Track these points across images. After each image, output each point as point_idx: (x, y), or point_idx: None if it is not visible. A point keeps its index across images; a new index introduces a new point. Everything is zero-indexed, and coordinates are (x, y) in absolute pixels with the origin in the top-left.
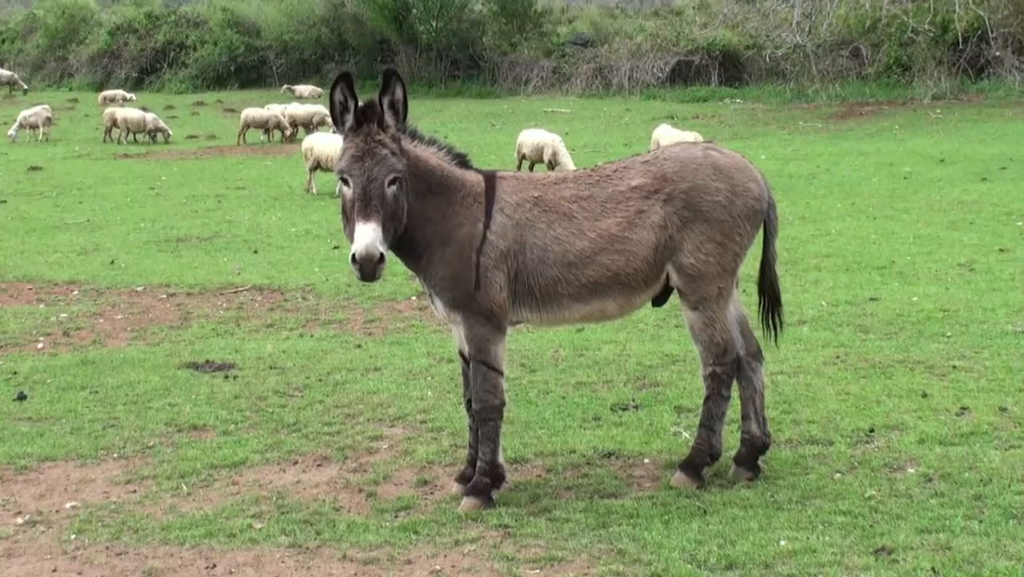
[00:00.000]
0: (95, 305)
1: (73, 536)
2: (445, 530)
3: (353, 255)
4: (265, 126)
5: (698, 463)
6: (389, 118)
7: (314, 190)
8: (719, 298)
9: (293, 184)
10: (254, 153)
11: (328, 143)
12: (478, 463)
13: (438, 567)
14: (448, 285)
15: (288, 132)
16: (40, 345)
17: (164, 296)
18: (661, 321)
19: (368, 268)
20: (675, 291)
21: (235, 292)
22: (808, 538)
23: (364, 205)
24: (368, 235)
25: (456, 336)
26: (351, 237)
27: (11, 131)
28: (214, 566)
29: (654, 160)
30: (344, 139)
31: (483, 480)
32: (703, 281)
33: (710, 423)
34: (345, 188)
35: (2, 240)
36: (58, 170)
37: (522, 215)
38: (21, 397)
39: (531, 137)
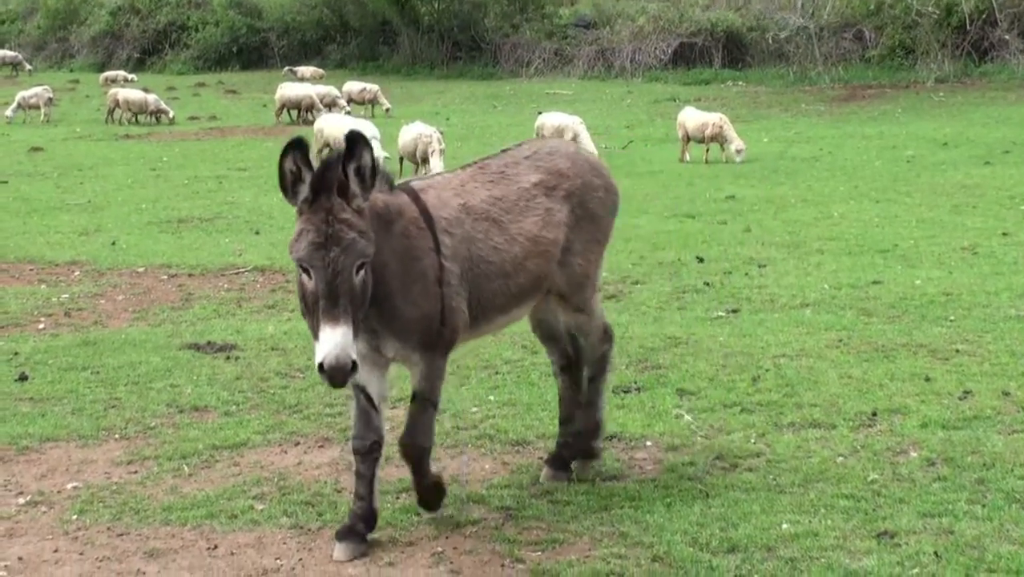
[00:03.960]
0: (96, 286)
1: (74, 516)
2: (447, 512)
3: (320, 364)
4: (299, 106)
5: (597, 445)
6: (355, 187)
7: None
8: (595, 294)
9: None
10: (255, 134)
11: (335, 124)
12: (355, 506)
13: (440, 549)
14: (416, 328)
15: (323, 113)
16: (41, 326)
17: (165, 277)
18: (663, 304)
19: (339, 378)
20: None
21: (236, 273)
22: (810, 521)
23: (330, 304)
24: (337, 341)
25: (375, 382)
26: (315, 335)
27: (8, 111)
28: (216, 547)
29: (540, 155)
30: (298, 215)
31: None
32: (587, 282)
33: (600, 401)
34: (304, 278)
35: (3, 221)
36: (59, 151)
37: (462, 230)
38: (22, 378)
39: (551, 120)
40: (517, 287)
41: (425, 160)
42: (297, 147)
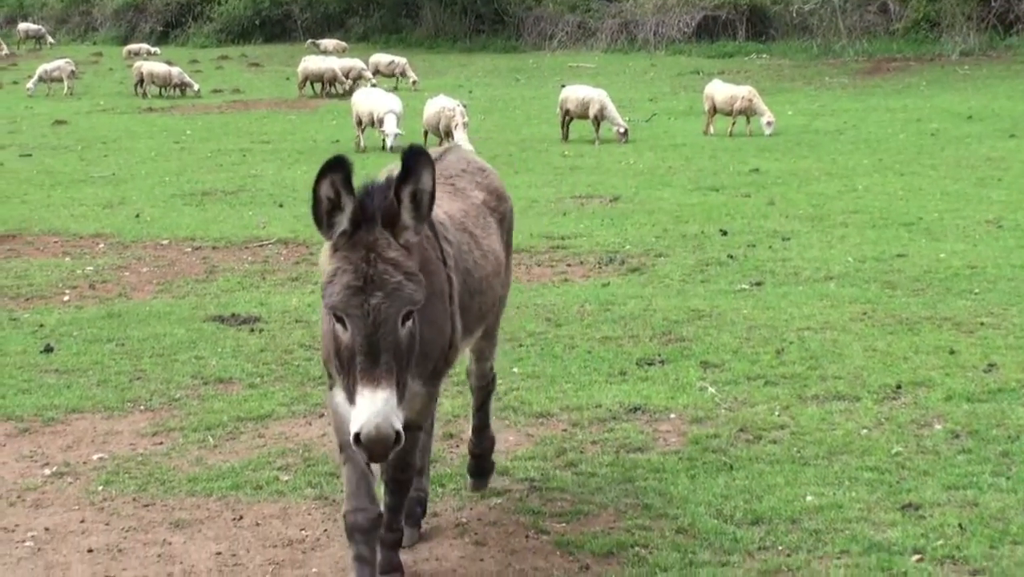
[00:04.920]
0: (121, 258)
1: (100, 487)
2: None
3: (356, 435)
4: (322, 79)
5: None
6: (407, 216)
7: (362, 145)
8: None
9: (318, 138)
10: (279, 107)
11: (362, 99)
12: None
13: (464, 520)
14: (431, 355)
15: (346, 86)
16: (66, 298)
17: (189, 249)
18: (687, 277)
19: (380, 452)
20: None
21: (260, 246)
22: (835, 494)
23: (370, 362)
24: (377, 408)
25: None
26: (350, 398)
27: (29, 84)
28: (241, 518)
29: (474, 171)
30: (332, 251)
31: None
32: (502, 307)
33: (491, 421)
34: (339, 328)
35: (28, 193)
36: (83, 124)
37: (455, 237)
38: (48, 349)
39: (576, 93)
40: (482, 308)
41: (448, 133)
42: (336, 169)
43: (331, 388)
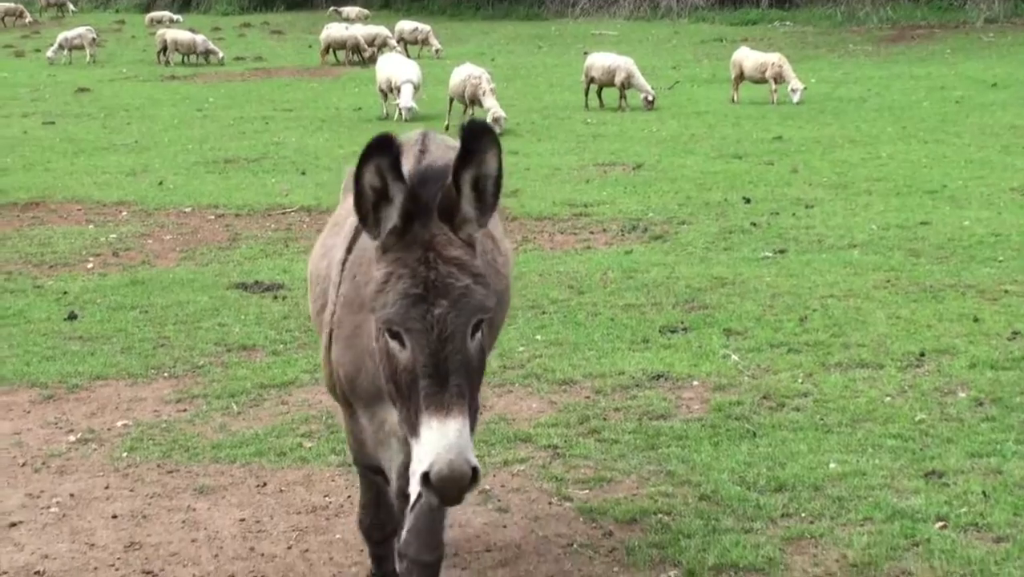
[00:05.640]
0: (144, 226)
1: (125, 454)
2: (494, 450)
3: (426, 475)
4: (344, 46)
5: None
6: (469, 207)
7: (384, 113)
8: None
9: (340, 106)
10: (301, 75)
11: (384, 65)
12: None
13: (487, 487)
14: (478, 369)
15: (367, 53)
16: (90, 265)
17: (212, 217)
18: (710, 244)
19: (454, 493)
20: None
21: (283, 213)
22: (858, 461)
23: (437, 385)
24: (450, 441)
25: (397, 454)
26: (412, 430)
27: (50, 52)
28: (264, 484)
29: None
30: (380, 252)
31: None
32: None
33: None
34: (395, 346)
35: (51, 161)
36: (105, 92)
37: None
38: (72, 317)
39: (601, 60)
40: (496, 331)
41: (475, 101)
42: (382, 151)
43: (349, 416)
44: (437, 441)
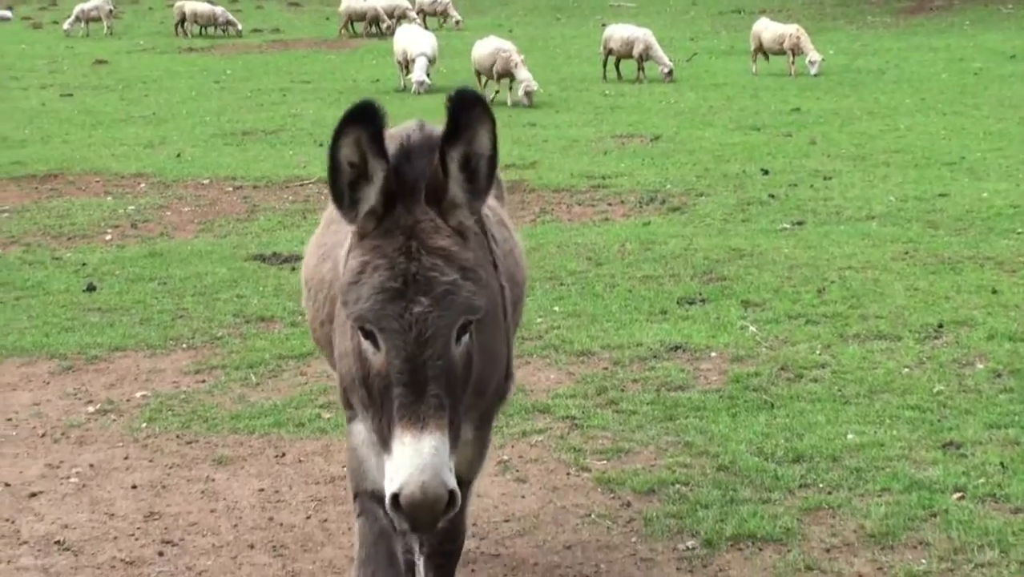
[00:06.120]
0: (162, 198)
1: (144, 424)
2: (512, 421)
3: (395, 496)
4: (364, 18)
5: None
6: (458, 190)
7: (401, 85)
8: None
9: (358, 78)
10: (319, 47)
11: (401, 37)
12: None
13: (505, 457)
14: (487, 387)
15: (385, 25)
16: (108, 237)
17: (230, 189)
18: (728, 216)
19: (425, 517)
20: None
21: (301, 185)
22: (876, 432)
23: (413, 396)
24: (423, 460)
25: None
26: (384, 444)
27: (66, 24)
28: (283, 455)
29: None
30: (357, 238)
31: None
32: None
33: None
34: (367, 347)
35: (69, 133)
36: (123, 64)
37: (498, 231)
38: (90, 288)
39: (620, 31)
40: (511, 332)
41: (507, 75)
42: (362, 121)
43: (350, 420)
44: (410, 459)
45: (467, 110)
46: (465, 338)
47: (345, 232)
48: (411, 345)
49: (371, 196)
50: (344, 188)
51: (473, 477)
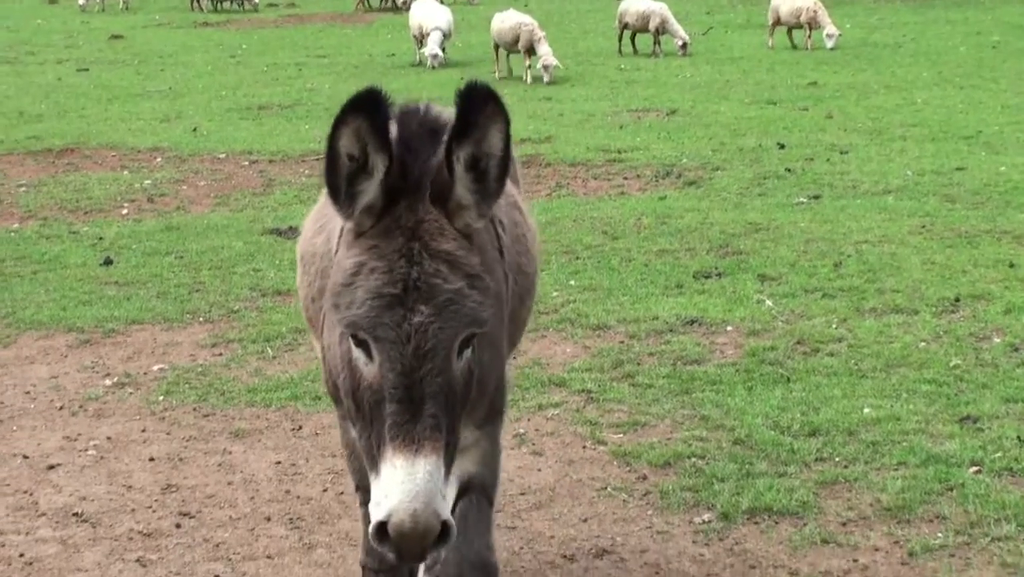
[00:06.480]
0: (178, 172)
1: (161, 397)
2: (529, 394)
3: (382, 524)
4: None
5: None
6: (465, 191)
7: (417, 59)
8: None
9: (373, 52)
10: (334, 21)
11: (416, 11)
12: None
13: (522, 430)
14: (490, 386)
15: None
16: (125, 211)
17: (246, 163)
18: (744, 190)
19: (415, 548)
20: None
21: (317, 159)
22: (892, 406)
23: (407, 415)
24: (417, 485)
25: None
26: (372, 466)
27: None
28: (300, 428)
29: None
30: (353, 237)
31: None
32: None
33: None
34: (359, 356)
35: (86, 108)
36: (139, 39)
37: (507, 215)
38: (107, 262)
39: (635, 5)
40: (520, 327)
41: (530, 50)
42: (364, 109)
43: (343, 417)
44: (401, 485)
45: (477, 108)
46: (467, 352)
47: None
48: (408, 358)
49: (370, 191)
50: (341, 181)
51: (487, 479)
